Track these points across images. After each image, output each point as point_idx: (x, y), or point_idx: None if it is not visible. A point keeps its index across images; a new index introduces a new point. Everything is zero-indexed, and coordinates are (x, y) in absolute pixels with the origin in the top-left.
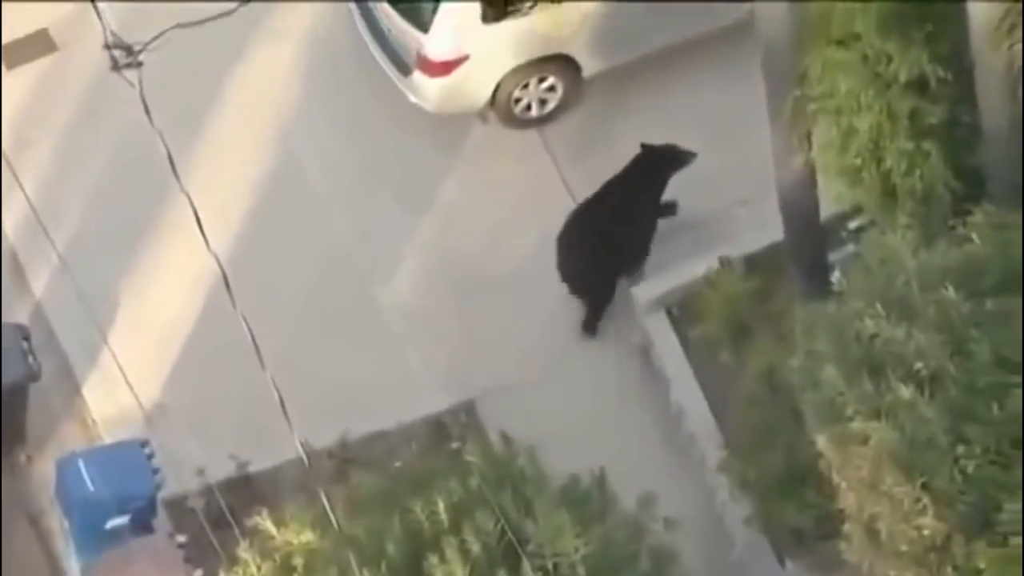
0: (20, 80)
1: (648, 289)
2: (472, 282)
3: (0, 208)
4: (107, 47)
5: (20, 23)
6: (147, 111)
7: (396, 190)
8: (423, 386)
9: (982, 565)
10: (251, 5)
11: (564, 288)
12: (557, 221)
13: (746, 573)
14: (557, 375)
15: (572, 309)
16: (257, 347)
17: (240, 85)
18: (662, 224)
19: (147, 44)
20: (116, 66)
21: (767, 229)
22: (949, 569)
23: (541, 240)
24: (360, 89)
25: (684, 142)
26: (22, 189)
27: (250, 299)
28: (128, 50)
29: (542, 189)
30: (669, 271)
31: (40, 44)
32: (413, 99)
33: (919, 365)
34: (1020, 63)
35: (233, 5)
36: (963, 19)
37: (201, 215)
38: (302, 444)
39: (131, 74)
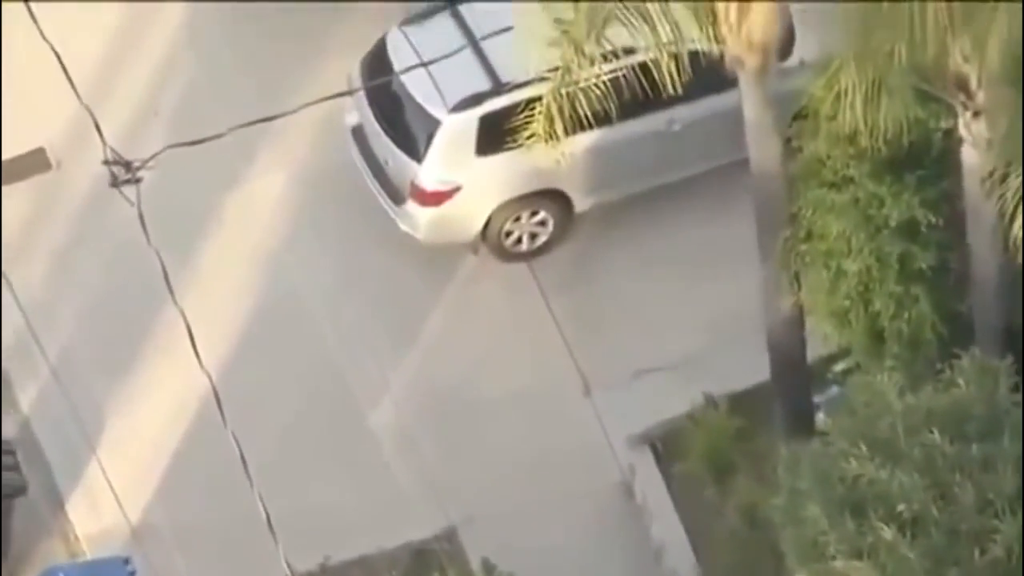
0: (17, 196)
1: (632, 424)
2: (458, 410)
3: None
4: (107, 163)
5: (18, 141)
6: (144, 228)
7: (386, 317)
8: (407, 511)
9: None
10: (251, 128)
11: (546, 417)
12: (544, 353)
13: None
14: (540, 504)
15: (556, 437)
16: (246, 466)
17: (235, 207)
18: (648, 360)
19: (146, 161)
20: (115, 182)
21: (753, 367)
22: None
23: (528, 370)
24: (353, 217)
25: (671, 280)
26: (17, 304)
27: (239, 418)
28: (127, 167)
29: (529, 322)
30: (653, 407)
31: (37, 161)
32: (404, 228)
33: (902, 507)
34: (1010, 211)
35: (225, 128)
36: (956, 166)
37: (194, 333)
38: (288, 566)
39: (129, 191)
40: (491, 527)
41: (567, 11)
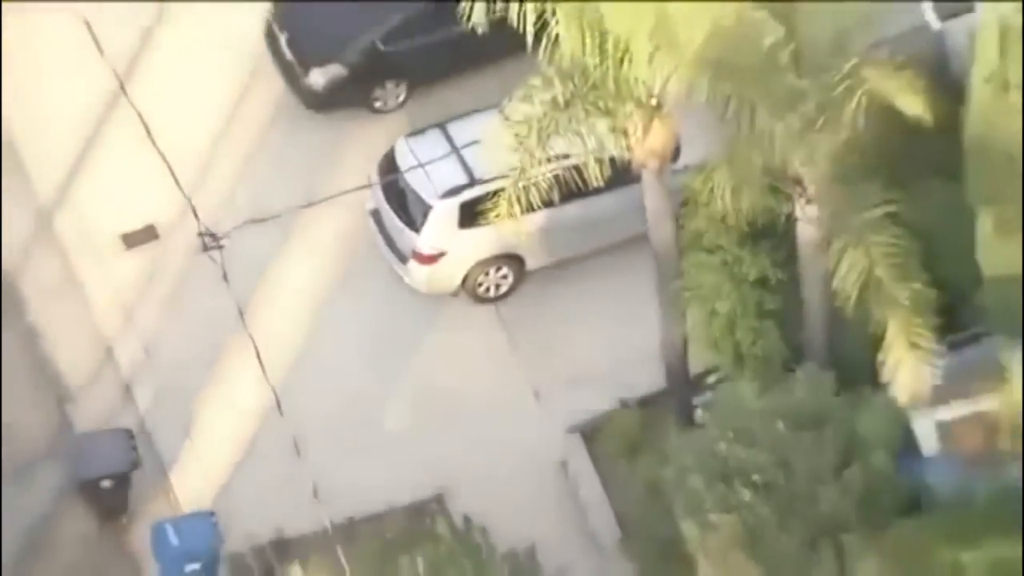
0: (135, 259)
1: (569, 419)
2: (445, 408)
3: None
4: (200, 235)
5: (134, 218)
6: (226, 279)
7: (395, 341)
8: (409, 481)
9: None
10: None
11: (507, 415)
12: (505, 368)
13: None
14: (504, 476)
15: (515, 429)
16: (298, 449)
17: (290, 263)
18: (581, 374)
19: (227, 234)
20: (205, 248)
21: (653, 380)
22: None
23: (494, 380)
24: (373, 271)
25: (597, 317)
26: (136, 333)
27: (291, 417)
28: (214, 237)
29: (495, 347)
30: (584, 407)
31: (148, 234)
32: (407, 281)
33: (756, 477)
34: (832, 268)
35: (278, 210)
36: (794, 238)
37: (260, 356)
38: (336, 522)
39: (216, 255)
40: (468, 493)
41: (523, 127)
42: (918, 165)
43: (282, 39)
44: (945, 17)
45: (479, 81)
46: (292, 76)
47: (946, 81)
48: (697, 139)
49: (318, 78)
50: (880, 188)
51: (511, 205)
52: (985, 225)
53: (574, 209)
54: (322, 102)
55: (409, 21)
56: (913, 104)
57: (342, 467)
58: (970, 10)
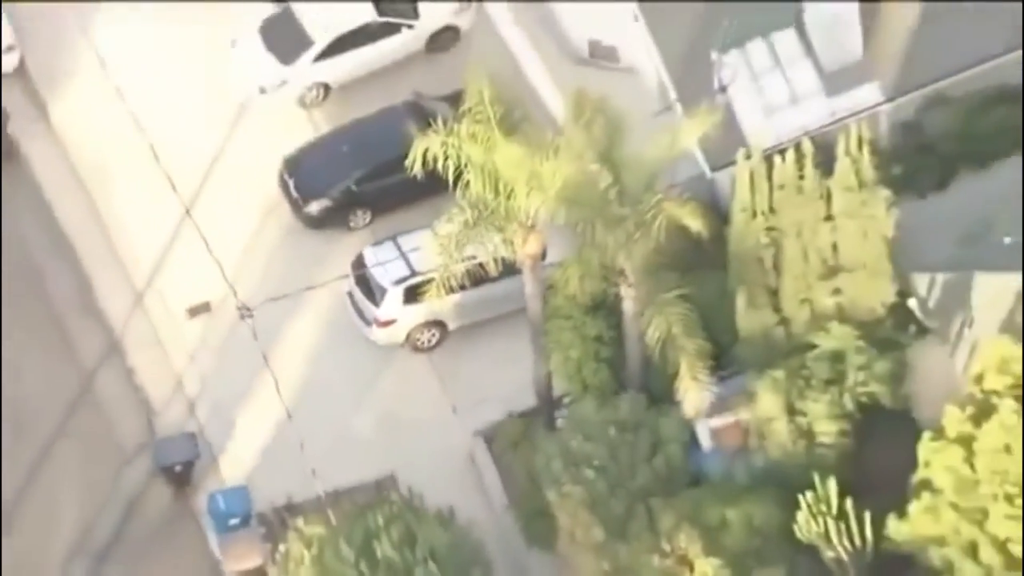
0: (197, 324)
1: (476, 426)
2: (394, 423)
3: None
4: (238, 308)
5: (195, 292)
6: (255, 337)
7: (361, 376)
8: (370, 468)
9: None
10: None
11: (435, 423)
12: (433, 393)
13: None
14: (430, 465)
15: (439, 433)
16: (302, 446)
17: (298, 325)
18: (485, 395)
19: (253, 310)
20: (242, 317)
21: (530, 399)
22: (605, 564)
23: (427, 400)
24: (347, 330)
25: (496, 359)
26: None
27: (297, 424)
28: (247, 309)
29: (427, 379)
30: (486, 418)
31: (204, 306)
32: (371, 338)
33: (596, 462)
34: (645, 330)
35: (289, 291)
36: (620, 309)
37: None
38: (326, 492)
39: (249, 321)
40: (409, 476)
41: (446, 239)
42: (698, 262)
43: (290, 183)
44: (714, 169)
45: (419, 209)
46: (296, 206)
47: (716, 209)
48: (557, 246)
49: (313, 208)
50: (675, 277)
51: (439, 289)
52: (740, 302)
53: (480, 291)
54: (315, 223)
55: (373, 170)
56: (695, 224)
57: (330, 459)
58: (732, 163)
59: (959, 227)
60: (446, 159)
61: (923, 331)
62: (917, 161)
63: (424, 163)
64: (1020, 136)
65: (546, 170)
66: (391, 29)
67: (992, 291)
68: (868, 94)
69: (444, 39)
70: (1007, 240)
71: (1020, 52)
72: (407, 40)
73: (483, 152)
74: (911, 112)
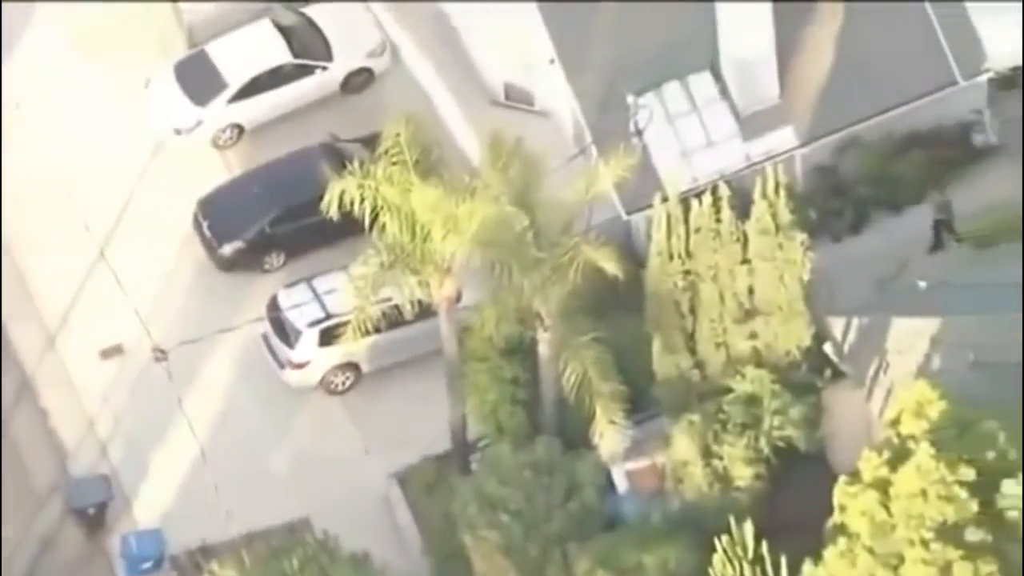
0: (108, 366)
1: (390, 468)
2: (308, 465)
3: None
4: (153, 349)
5: (108, 334)
6: (170, 379)
7: (275, 417)
8: (284, 512)
9: None
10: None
11: (350, 463)
12: (347, 433)
13: None
14: (346, 506)
15: (355, 474)
16: (216, 488)
17: (214, 366)
18: (398, 438)
19: (169, 350)
20: (157, 359)
21: (445, 442)
22: None
23: (341, 440)
24: (264, 373)
25: (412, 401)
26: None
27: (211, 466)
28: (162, 352)
29: (342, 420)
30: (401, 460)
31: (118, 348)
32: (285, 380)
33: (511, 506)
34: (561, 373)
35: (204, 334)
36: (536, 352)
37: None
38: (241, 535)
39: (164, 364)
40: (324, 518)
41: (362, 282)
42: (615, 305)
43: (204, 224)
44: (630, 212)
45: (334, 251)
46: (210, 248)
47: (632, 253)
48: (473, 288)
49: (227, 250)
50: (591, 321)
51: (354, 331)
52: (656, 345)
53: (395, 333)
54: (229, 265)
55: (287, 212)
56: (612, 267)
57: (244, 501)
58: (648, 207)
59: (874, 270)
60: (362, 201)
61: (839, 375)
62: (832, 204)
63: (340, 205)
64: (933, 179)
65: (462, 213)
66: (305, 71)
67: (907, 335)
68: (783, 138)
69: (358, 81)
70: (921, 284)
71: (932, 98)
72: (321, 82)
73: (399, 195)
74: (826, 156)
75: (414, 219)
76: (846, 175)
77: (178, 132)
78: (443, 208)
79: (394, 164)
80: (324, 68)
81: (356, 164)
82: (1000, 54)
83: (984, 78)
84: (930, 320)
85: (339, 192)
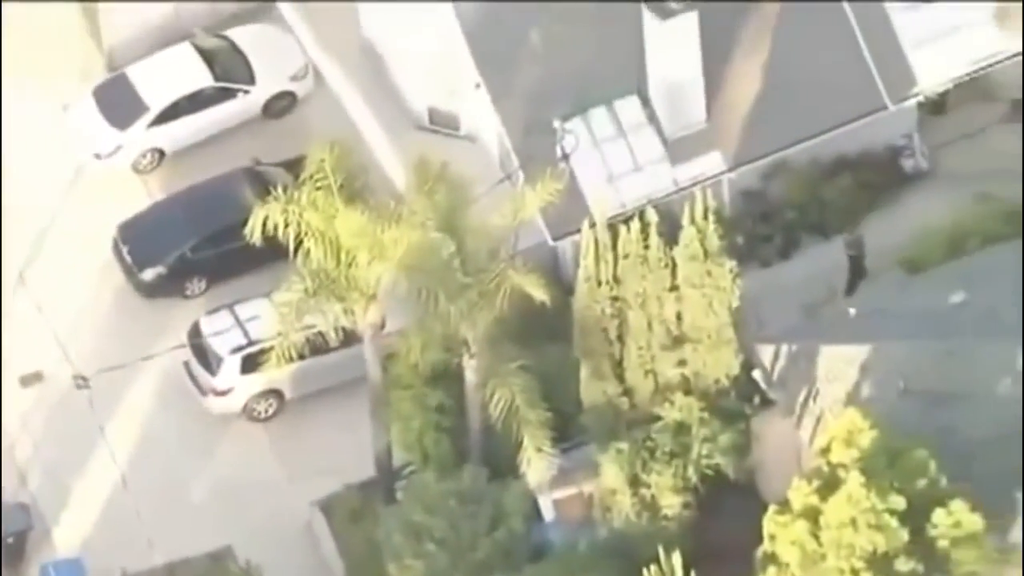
0: (26, 394)
1: (313, 495)
2: (229, 493)
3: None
4: (73, 378)
5: (28, 361)
6: (91, 407)
7: (198, 444)
8: (205, 541)
9: None
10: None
11: (274, 491)
12: (268, 460)
13: None
14: (271, 532)
15: (277, 501)
16: (139, 517)
17: (135, 394)
18: (319, 466)
19: (89, 377)
20: (78, 386)
21: (370, 470)
22: None
23: (264, 466)
24: (186, 400)
25: (335, 428)
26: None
27: (132, 492)
28: (83, 379)
29: (263, 448)
30: (324, 489)
31: (37, 376)
32: (207, 408)
33: (437, 535)
34: (487, 401)
35: (126, 361)
36: (462, 379)
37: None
38: (162, 564)
39: (85, 391)
40: (246, 547)
41: (285, 308)
42: (542, 332)
43: (124, 250)
44: (557, 237)
45: (257, 277)
46: (131, 274)
47: (559, 279)
48: (398, 314)
49: (148, 275)
50: (518, 348)
51: (278, 358)
52: (584, 372)
53: (319, 360)
54: (150, 291)
55: (209, 237)
56: (539, 293)
57: (166, 530)
58: (575, 232)
59: (803, 297)
60: (286, 227)
61: (768, 402)
62: (760, 229)
63: (263, 231)
64: (862, 204)
65: (388, 238)
66: (227, 94)
67: (837, 362)
68: (711, 162)
69: (281, 105)
70: (851, 311)
71: (861, 122)
72: (243, 106)
73: (324, 220)
74: (754, 180)
75: (339, 245)
76: (774, 200)
77: (98, 156)
78: (368, 234)
79: (318, 189)
80: (246, 92)
81: (280, 189)
82: (929, 78)
83: (914, 102)
84: (860, 347)
85: (263, 217)
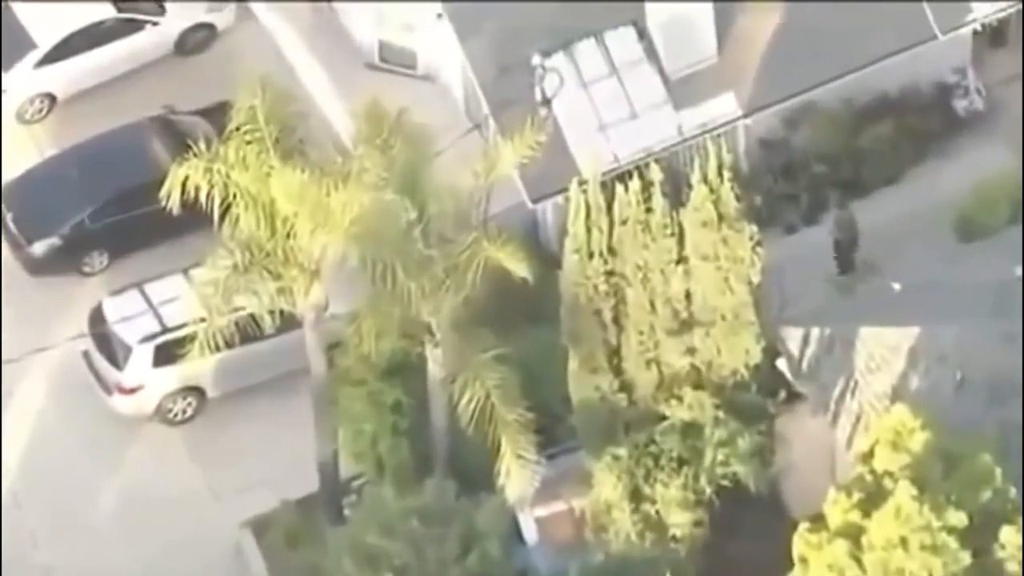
0: None
1: (243, 515)
2: (145, 514)
3: None
4: None
5: None
6: None
7: (102, 458)
8: (121, 569)
9: None
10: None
11: (199, 506)
12: (189, 472)
13: None
14: (201, 550)
15: (203, 520)
16: (35, 540)
17: (26, 395)
18: (248, 480)
19: None
20: None
21: (309, 485)
22: None
23: (184, 478)
24: (88, 398)
25: (268, 433)
26: None
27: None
28: None
29: (180, 457)
30: (254, 507)
31: None
32: (113, 408)
33: (396, 561)
34: (457, 399)
35: (10, 355)
36: (425, 371)
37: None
38: None
39: None
40: (182, 562)
41: (209, 288)
42: (522, 315)
43: (7, 217)
44: (536, 199)
45: (171, 249)
46: (17, 247)
47: (540, 249)
48: (347, 294)
49: (38, 249)
50: (491, 334)
51: (201, 348)
52: (573, 363)
53: (248, 350)
54: (41, 268)
55: (112, 202)
56: (519, 268)
57: (66, 554)
58: (559, 192)
59: (835, 269)
60: (210, 189)
61: (795, 397)
62: (783, 188)
63: (182, 194)
64: (906, 155)
65: (334, 202)
66: (132, 27)
67: (879, 348)
68: (723, 106)
69: (197, 39)
70: (895, 286)
71: (904, 55)
72: (152, 41)
73: (256, 181)
74: (775, 127)
75: (274, 211)
76: (799, 151)
77: None
78: (310, 197)
79: (248, 143)
80: (154, 23)
81: (201, 143)
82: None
83: (968, 31)
84: (906, 330)
85: (181, 178)
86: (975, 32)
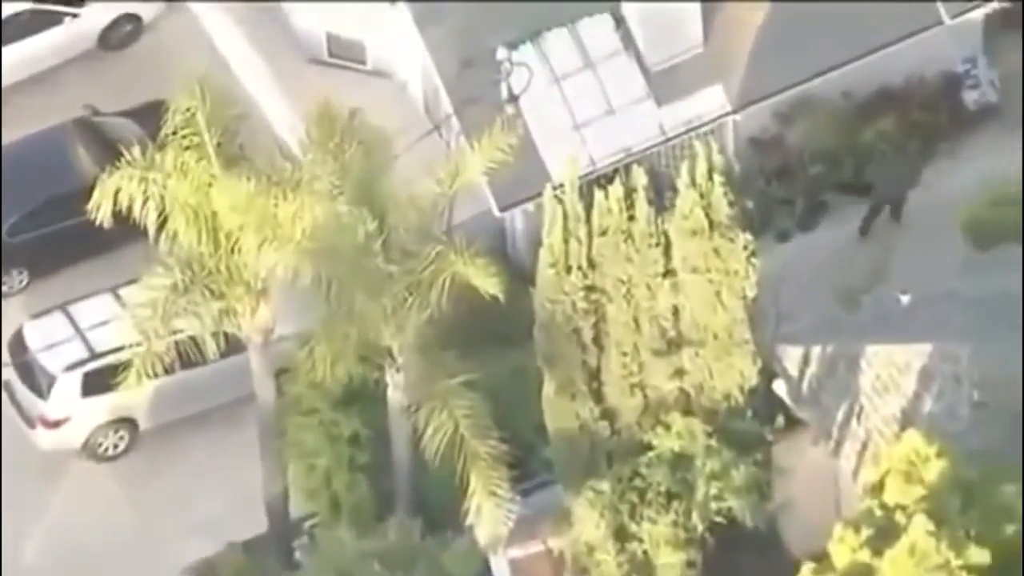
0: None
1: (185, 560)
2: (73, 561)
3: None
4: None
5: None
6: None
7: (25, 500)
8: None
9: None
10: None
11: (140, 549)
12: (123, 521)
13: None
14: None
15: (150, 560)
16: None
17: None
18: (189, 521)
19: None
20: None
21: (260, 524)
22: None
23: (113, 533)
24: (9, 441)
25: (209, 468)
26: None
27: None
28: None
29: (113, 500)
30: (197, 551)
31: None
32: (36, 442)
33: None
34: (421, 429)
35: None
36: (385, 399)
37: None
38: None
39: None
40: None
41: (145, 310)
42: (491, 336)
43: None
44: (504, 207)
45: (98, 266)
46: None
47: (510, 263)
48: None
49: None
50: (458, 357)
51: (136, 375)
52: (549, 389)
53: (187, 377)
54: None
55: (32, 214)
56: (489, 284)
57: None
58: (529, 199)
59: (837, 280)
60: (145, 201)
61: (795, 424)
62: (776, 191)
63: (114, 205)
64: (909, 152)
65: (282, 213)
66: (50, 20)
67: (887, 368)
68: (710, 100)
69: (122, 34)
70: (903, 298)
71: (908, 42)
72: (72, 34)
73: (196, 191)
74: (768, 124)
75: (216, 224)
76: (794, 150)
77: None
78: (256, 208)
79: (186, 149)
80: (74, 15)
81: (134, 148)
82: None
83: (979, 15)
84: (918, 347)
85: (113, 189)
86: (986, 16)
